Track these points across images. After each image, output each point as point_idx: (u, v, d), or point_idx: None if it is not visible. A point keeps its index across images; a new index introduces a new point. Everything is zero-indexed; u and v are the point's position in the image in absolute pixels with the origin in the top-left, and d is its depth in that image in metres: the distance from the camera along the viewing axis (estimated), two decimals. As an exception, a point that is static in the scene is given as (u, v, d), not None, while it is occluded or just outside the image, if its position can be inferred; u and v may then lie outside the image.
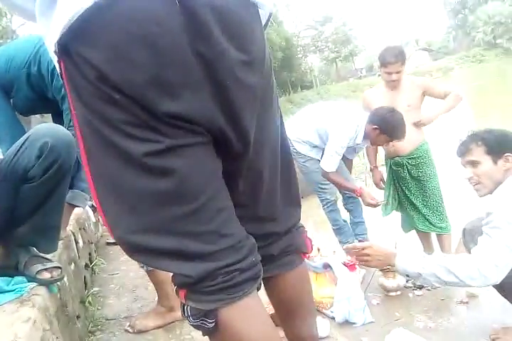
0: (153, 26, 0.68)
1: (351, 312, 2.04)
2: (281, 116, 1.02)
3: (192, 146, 0.77)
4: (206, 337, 0.87)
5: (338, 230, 3.03)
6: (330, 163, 2.66)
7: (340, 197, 3.12)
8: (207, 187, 0.81)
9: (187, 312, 0.83)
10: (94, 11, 0.66)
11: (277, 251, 1.03)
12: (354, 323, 2.03)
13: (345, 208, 3.07)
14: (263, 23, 0.86)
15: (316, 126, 2.76)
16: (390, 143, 2.73)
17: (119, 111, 0.72)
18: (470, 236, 1.79)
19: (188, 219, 0.78)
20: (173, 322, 1.91)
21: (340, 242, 3.04)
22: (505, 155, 1.64)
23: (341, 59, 46.55)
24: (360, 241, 2.97)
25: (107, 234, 3.73)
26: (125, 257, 2.13)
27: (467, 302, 2.11)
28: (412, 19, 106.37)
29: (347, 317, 2.05)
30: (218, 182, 0.84)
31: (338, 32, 45.36)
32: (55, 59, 0.76)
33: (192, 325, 0.84)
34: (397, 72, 2.62)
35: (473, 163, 1.72)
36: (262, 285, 1.02)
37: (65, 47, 0.71)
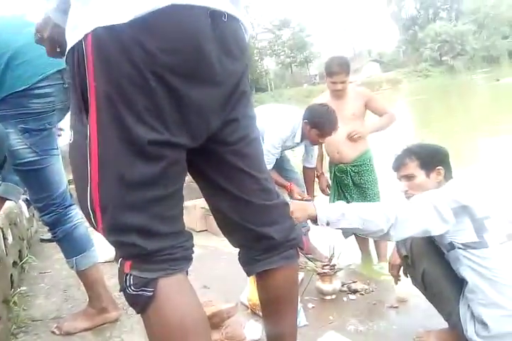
0: (200, 34, 0.86)
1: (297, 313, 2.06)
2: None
3: (182, 146, 0.93)
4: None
5: None
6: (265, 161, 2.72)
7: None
8: (179, 180, 0.98)
9: (128, 282, 0.92)
10: (166, 10, 0.82)
11: (284, 239, 1.13)
12: (288, 326, 2.05)
13: None
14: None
15: (264, 123, 2.79)
16: (335, 150, 2.81)
17: (145, 96, 0.84)
18: (402, 241, 1.86)
19: (162, 202, 0.92)
20: (103, 324, 1.84)
21: None
22: (437, 168, 1.74)
23: (297, 64, 47.40)
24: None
25: (42, 230, 3.55)
26: (60, 255, 2.03)
27: (397, 307, 2.19)
28: (366, 30, 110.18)
29: (282, 320, 2.06)
30: (184, 177, 1.01)
31: (294, 37, 46.14)
32: (79, 31, 0.84)
33: (130, 296, 0.93)
34: (342, 82, 2.70)
35: (408, 177, 1.80)
36: (255, 279, 1.21)
37: (119, 31, 0.81)
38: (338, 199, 3.00)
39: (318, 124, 2.56)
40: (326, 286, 2.33)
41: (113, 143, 0.87)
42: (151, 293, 0.90)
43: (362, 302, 2.29)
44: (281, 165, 3.01)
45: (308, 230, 3.16)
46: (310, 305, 2.28)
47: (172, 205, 0.96)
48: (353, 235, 3.06)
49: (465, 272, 1.55)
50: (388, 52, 56.09)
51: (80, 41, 0.84)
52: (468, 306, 1.55)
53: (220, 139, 1.02)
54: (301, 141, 2.78)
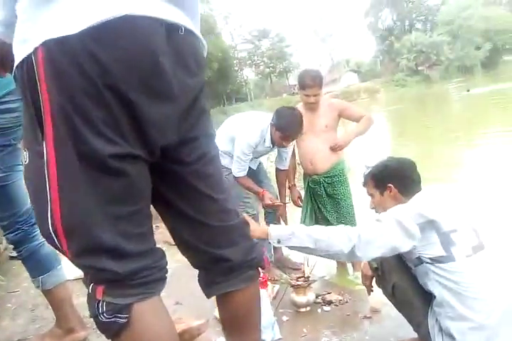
0: (155, 47, 0.84)
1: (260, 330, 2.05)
2: None
3: (142, 159, 0.90)
4: None
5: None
6: (236, 168, 2.74)
7: (262, 211, 3.16)
8: (146, 194, 0.95)
9: (101, 309, 0.87)
10: (120, 21, 0.80)
11: (243, 260, 1.11)
12: (263, 340, 2.04)
13: (266, 221, 3.11)
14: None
15: (230, 135, 2.80)
16: (308, 161, 2.83)
17: (101, 108, 0.82)
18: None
19: (128, 219, 0.89)
20: (70, 344, 1.79)
21: None
22: (388, 186, 1.78)
23: (276, 74, 47.81)
24: (274, 248, 3.05)
25: (11, 246, 3.46)
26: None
27: (370, 317, 2.20)
28: (344, 41, 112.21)
29: (256, 335, 2.04)
30: (149, 192, 0.97)
31: (274, 48, 46.60)
32: (28, 45, 0.81)
33: (102, 324, 0.89)
34: (315, 95, 2.72)
35: (370, 195, 1.89)
36: (215, 299, 1.17)
37: (70, 42, 0.78)
38: (311, 211, 3.01)
39: (282, 127, 2.57)
40: (300, 298, 2.33)
41: (72, 159, 0.83)
42: (125, 320, 0.87)
43: (336, 314, 2.29)
44: (257, 176, 3.02)
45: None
46: (284, 318, 2.28)
47: (141, 222, 0.93)
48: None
49: (432, 286, 1.56)
50: (366, 62, 57.16)
51: (30, 55, 0.81)
52: (437, 319, 1.56)
53: (179, 159, 0.99)
54: (273, 145, 2.76)
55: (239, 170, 2.75)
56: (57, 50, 0.79)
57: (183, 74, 0.91)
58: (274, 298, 2.50)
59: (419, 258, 1.57)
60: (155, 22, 0.84)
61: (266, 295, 2.21)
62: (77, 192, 0.85)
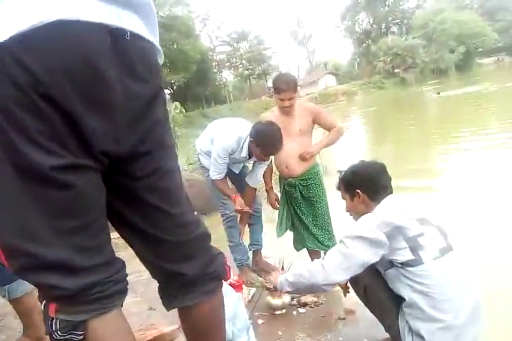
0: (93, 53, 0.79)
1: (235, 333, 2.04)
2: None
3: (90, 168, 0.85)
4: None
5: (233, 247, 3.08)
6: (212, 170, 2.76)
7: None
8: (97, 205, 0.90)
9: (55, 326, 0.84)
10: (52, 26, 0.75)
11: (199, 274, 1.08)
12: (237, 344, 2.03)
13: (248, 223, 3.10)
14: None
15: (210, 137, 2.83)
16: (284, 165, 2.84)
17: (36, 119, 0.77)
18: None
19: (78, 233, 0.84)
20: (39, 354, 1.75)
21: (235, 259, 3.07)
22: (356, 191, 1.83)
23: (255, 77, 47.89)
24: (253, 251, 3.14)
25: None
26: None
27: (344, 318, 2.22)
28: (322, 43, 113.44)
29: (230, 338, 2.03)
30: (103, 202, 0.93)
31: (252, 50, 46.68)
32: None
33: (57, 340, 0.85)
34: (290, 99, 2.73)
35: (344, 199, 1.94)
36: (170, 312, 1.15)
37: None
38: (287, 213, 3.02)
39: (263, 144, 2.58)
40: (276, 301, 2.33)
41: (9, 174, 0.78)
42: (80, 337, 0.84)
43: (311, 316, 2.30)
44: (239, 180, 3.02)
45: (260, 249, 3.18)
46: (260, 321, 2.28)
47: (94, 234, 0.88)
48: (305, 248, 3.08)
49: (402, 289, 1.59)
50: (344, 64, 57.82)
51: None
52: (407, 321, 1.59)
53: (130, 173, 0.95)
54: (250, 157, 2.77)
55: (215, 172, 2.76)
56: None
57: (131, 82, 0.87)
58: (250, 301, 2.50)
59: (390, 262, 1.60)
60: (93, 27, 0.80)
61: (241, 298, 2.20)
62: (14, 209, 0.80)
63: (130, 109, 0.89)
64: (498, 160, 5.86)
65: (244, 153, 2.71)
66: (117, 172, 0.94)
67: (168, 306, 1.14)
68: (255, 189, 3.00)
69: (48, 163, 0.79)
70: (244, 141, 2.68)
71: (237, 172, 3.01)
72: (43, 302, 0.87)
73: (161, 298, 1.16)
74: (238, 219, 3.07)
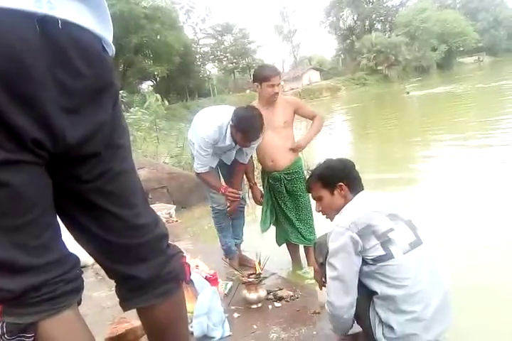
0: (15, 43, 0.74)
1: (210, 327, 2.05)
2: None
3: (27, 163, 0.81)
4: None
5: (220, 229, 3.04)
6: (196, 163, 2.73)
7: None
8: (39, 202, 0.85)
9: (2, 330, 0.81)
10: None
11: (154, 276, 1.05)
12: (213, 337, 2.04)
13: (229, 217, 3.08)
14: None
15: (194, 128, 2.75)
16: (269, 158, 2.84)
17: None
18: (319, 250, 1.92)
19: (20, 231, 0.80)
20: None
21: (223, 246, 3.06)
22: (338, 184, 1.82)
23: (239, 70, 47.68)
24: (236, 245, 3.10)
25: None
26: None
27: (319, 313, 2.24)
28: (307, 38, 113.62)
29: (205, 332, 2.04)
30: (48, 198, 0.89)
31: (237, 43, 46.40)
32: None
33: None
34: (278, 85, 2.75)
35: (318, 198, 1.91)
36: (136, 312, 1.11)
37: None
38: (272, 207, 3.03)
39: (243, 129, 2.53)
40: (252, 295, 2.34)
41: None
42: (30, 340, 0.81)
43: (286, 310, 2.32)
44: (230, 172, 2.98)
45: (240, 242, 3.19)
46: (236, 315, 2.29)
47: (39, 232, 0.84)
48: (285, 243, 3.10)
49: (373, 283, 1.62)
50: (328, 60, 57.99)
51: None
52: (377, 312, 1.62)
53: (78, 177, 0.92)
54: (236, 143, 2.69)
55: (199, 165, 2.72)
56: None
57: (65, 75, 0.81)
58: (226, 295, 2.51)
59: (362, 259, 1.62)
60: (16, 14, 0.74)
61: (216, 292, 2.21)
62: None
63: (65, 103, 0.83)
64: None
65: (229, 141, 2.65)
66: (65, 176, 0.91)
67: (123, 307, 1.12)
68: (245, 165, 2.97)
69: None
70: (227, 128, 2.63)
71: (228, 163, 2.96)
72: None
73: (118, 297, 1.13)
74: (226, 211, 3.03)
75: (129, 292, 1.07)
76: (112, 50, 0.95)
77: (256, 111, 2.59)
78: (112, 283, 1.11)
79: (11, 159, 0.78)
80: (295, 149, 2.87)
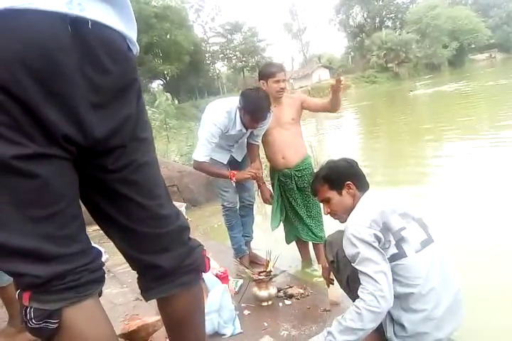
0: (49, 42, 0.78)
1: (221, 324, 2.07)
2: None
3: (57, 157, 0.85)
4: None
5: (231, 227, 3.04)
6: (198, 151, 2.67)
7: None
8: (66, 194, 0.89)
9: (29, 315, 0.85)
10: (1, 15, 0.73)
11: (176, 266, 1.10)
12: (223, 335, 2.06)
13: (239, 214, 3.10)
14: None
15: (203, 121, 2.75)
16: (280, 155, 2.84)
17: None
18: (330, 248, 1.92)
19: (48, 221, 0.85)
20: (25, 343, 1.75)
21: (233, 245, 3.06)
22: (346, 183, 1.80)
23: (248, 69, 47.63)
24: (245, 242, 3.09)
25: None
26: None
27: (329, 310, 2.24)
28: (317, 36, 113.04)
29: (216, 329, 2.06)
30: (75, 191, 0.93)
31: (246, 42, 46.35)
32: None
33: (32, 329, 0.87)
34: (284, 81, 2.75)
35: (325, 201, 1.88)
36: (156, 303, 1.15)
37: None
38: (282, 205, 3.03)
39: (250, 109, 2.53)
40: (262, 293, 2.35)
41: None
42: (55, 325, 0.85)
43: (297, 307, 2.33)
44: (241, 168, 2.94)
45: (250, 240, 3.19)
46: (246, 312, 2.30)
47: (65, 223, 0.89)
48: (295, 241, 3.11)
49: None
50: (338, 58, 57.64)
51: None
52: (389, 311, 1.61)
53: (104, 167, 0.96)
54: (246, 129, 2.68)
55: (202, 153, 2.65)
56: None
57: (93, 72, 0.86)
58: (237, 292, 2.52)
59: None
60: (48, 15, 0.78)
61: (227, 290, 2.23)
62: None
63: (93, 99, 0.88)
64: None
65: (239, 126, 2.65)
66: (92, 166, 0.95)
67: (145, 297, 1.16)
68: (258, 146, 2.95)
69: (11, 152, 0.79)
70: (236, 112, 2.64)
71: (239, 160, 2.95)
72: (18, 291, 0.88)
73: (139, 288, 1.17)
74: (237, 209, 3.04)
75: (151, 281, 1.11)
76: (136, 48, 1.01)
77: (262, 92, 2.59)
78: (124, 280, 1.14)
79: (42, 153, 0.82)
80: (334, 87, 2.55)
